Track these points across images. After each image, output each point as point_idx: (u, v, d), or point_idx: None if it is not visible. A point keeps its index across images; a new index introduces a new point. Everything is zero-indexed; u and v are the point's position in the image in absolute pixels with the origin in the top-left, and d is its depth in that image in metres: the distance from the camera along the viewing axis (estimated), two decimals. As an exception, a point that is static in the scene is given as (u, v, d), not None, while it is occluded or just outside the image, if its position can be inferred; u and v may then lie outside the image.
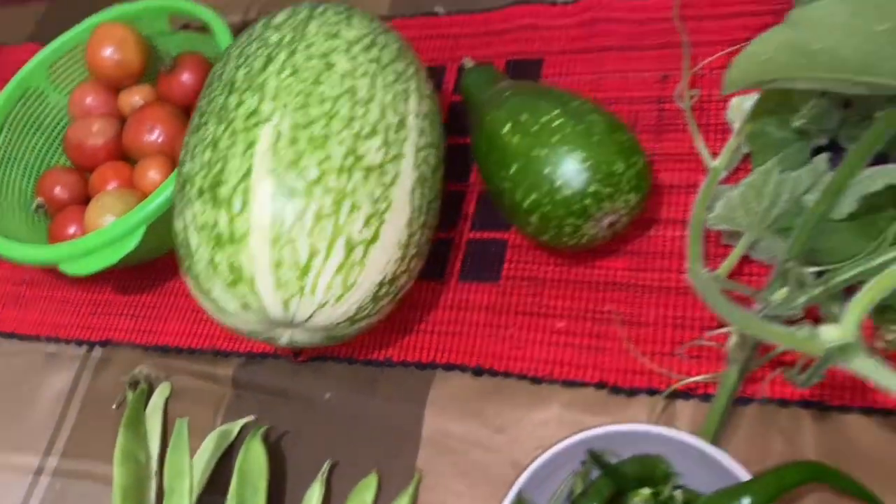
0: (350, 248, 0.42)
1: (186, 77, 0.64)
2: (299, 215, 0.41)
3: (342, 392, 0.51)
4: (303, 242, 0.41)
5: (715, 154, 0.49)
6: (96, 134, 0.64)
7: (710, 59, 0.53)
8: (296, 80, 0.44)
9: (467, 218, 0.55)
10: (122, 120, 0.65)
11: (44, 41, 0.76)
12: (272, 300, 0.42)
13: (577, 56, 0.58)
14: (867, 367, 0.31)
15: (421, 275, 0.51)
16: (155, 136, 0.62)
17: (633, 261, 0.49)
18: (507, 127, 0.47)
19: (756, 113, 0.46)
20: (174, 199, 0.46)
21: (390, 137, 0.45)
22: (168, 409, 0.55)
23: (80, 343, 0.61)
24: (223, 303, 0.43)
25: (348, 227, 0.42)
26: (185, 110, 0.64)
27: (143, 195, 0.60)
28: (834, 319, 0.34)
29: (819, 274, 0.42)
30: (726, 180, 0.48)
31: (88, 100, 0.66)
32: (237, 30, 0.69)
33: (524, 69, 0.59)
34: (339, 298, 0.42)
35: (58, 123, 0.68)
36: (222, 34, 0.60)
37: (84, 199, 0.63)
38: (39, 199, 0.63)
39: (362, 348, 0.52)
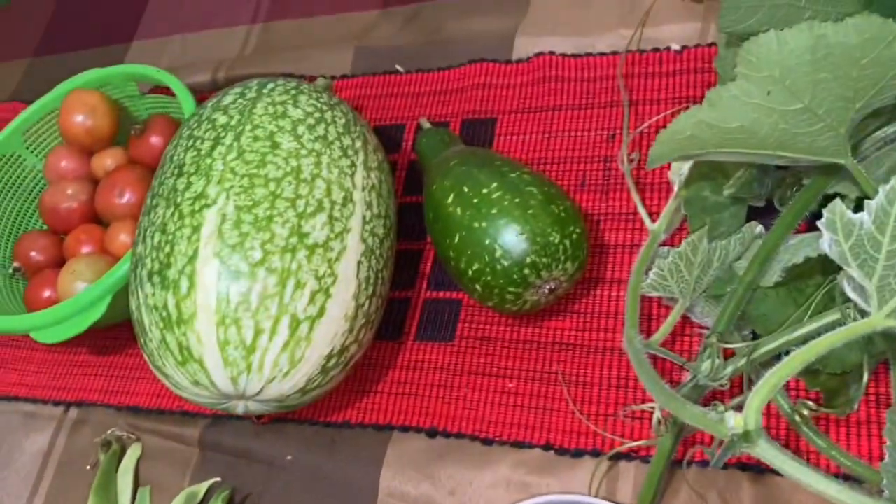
0: (295, 325, 0.43)
1: (155, 139, 0.66)
2: (244, 296, 0.43)
3: (303, 453, 0.53)
4: (248, 323, 0.43)
5: (656, 215, 0.51)
6: (70, 198, 0.66)
7: (653, 119, 0.55)
8: (241, 163, 0.46)
9: (424, 277, 0.56)
10: (95, 183, 0.67)
11: (27, 99, 0.79)
12: (221, 377, 0.43)
13: (529, 115, 0.60)
14: (768, 455, 0.32)
15: (379, 335, 0.53)
16: (125, 199, 0.64)
17: (578, 321, 0.50)
18: (451, 197, 0.48)
19: (691, 178, 0.48)
20: (129, 275, 0.48)
21: (335, 213, 0.46)
22: (139, 470, 0.57)
23: (56, 403, 0.63)
24: (176, 379, 0.45)
25: (293, 305, 0.43)
26: (154, 171, 0.66)
27: (114, 259, 0.62)
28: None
29: (752, 339, 0.43)
30: (668, 242, 0.50)
31: (62, 164, 0.68)
32: (206, 89, 0.71)
33: (478, 129, 0.61)
34: (286, 374, 0.44)
35: (34, 186, 0.70)
36: (185, 100, 0.62)
37: (59, 262, 0.65)
38: (16, 264, 0.65)
39: (322, 410, 0.53)
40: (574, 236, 0.46)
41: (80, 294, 0.55)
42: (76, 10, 0.90)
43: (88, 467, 0.58)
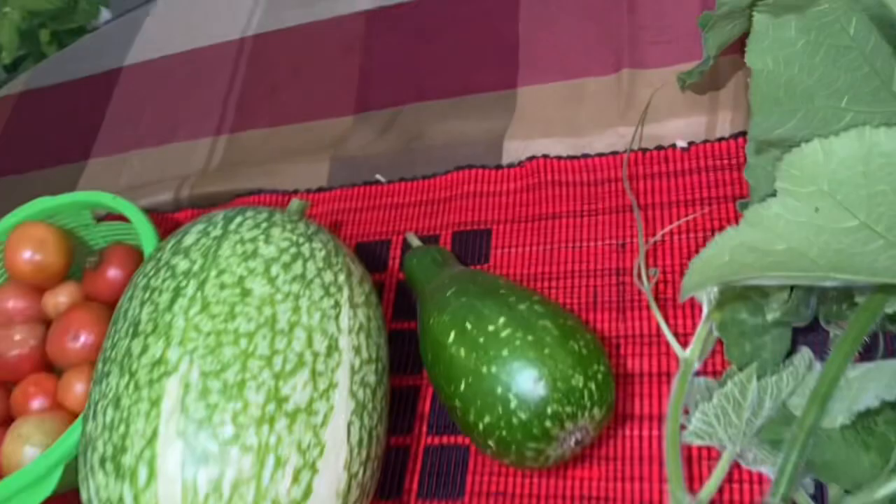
0: (278, 512, 0.36)
1: (113, 273, 0.59)
2: (215, 484, 0.35)
3: None
4: (221, 516, 0.35)
5: (686, 338, 0.45)
6: (18, 343, 0.59)
7: (667, 228, 0.49)
8: (206, 318, 0.39)
9: (423, 419, 0.50)
10: (47, 324, 0.60)
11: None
12: (191, 582, 0.36)
13: (527, 224, 0.54)
14: None
15: (379, 491, 0.45)
16: (81, 342, 0.57)
17: (608, 468, 0.44)
18: (452, 336, 0.42)
19: (724, 299, 0.42)
20: (78, 459, 0.40)
21: (319, 367, 0.40)
22: None
23: (3, 589, 0.54)
24: (137, 585, 0.37)
25: (274, 488, 0.36)
26: (113, 308, 0.59)
27: (69, 415, 0.54)
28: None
29: (817, 493, 0.36)
30: (700, 370, 0.43)
31: (10, 304, 0.61)
32: (169, 209, 0.65)
33: (472, 241, 0.55)
34: (270, 571, 0.36)
35: (-22, 331, 0.63)
36: (144, 231, 0.56)
37: (7, 419, 0.57)
38: (-44, 423, 0.57)
39: (314, 590, 0.45)
40: (599, 376, 0.40)
41: (27, 467, 0.48)
42: (26, 128, 0.84)
43: None
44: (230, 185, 0.66)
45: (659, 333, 0.46)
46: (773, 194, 0.35)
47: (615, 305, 0.49)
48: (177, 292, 0.40)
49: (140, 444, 0.36)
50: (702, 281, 0.36)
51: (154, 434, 0.36)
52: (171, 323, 0.39)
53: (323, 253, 0.45)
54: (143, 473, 0.36)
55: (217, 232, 0.44)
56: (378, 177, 0.61)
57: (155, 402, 0.37)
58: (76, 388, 0.55)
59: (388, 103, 0.65)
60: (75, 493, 0.50)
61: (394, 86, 0.66)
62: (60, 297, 0.61)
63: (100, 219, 0.64)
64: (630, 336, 0.47)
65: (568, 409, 0.39)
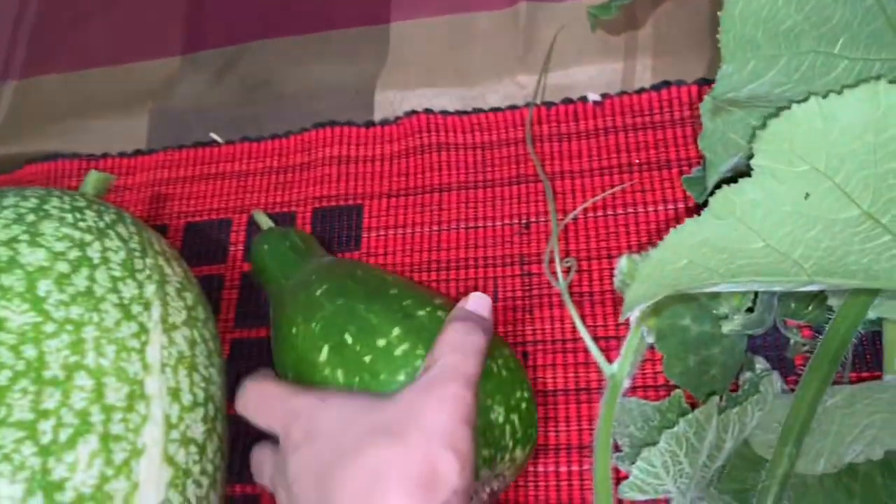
0: None
1: None
2: None
3: None
4: None
5: (608, 343, 0.36)
6: None
7: (584, 204, 0.40)
8: (-74, 370, 0.26)
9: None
10: None
11: None
12: None
13: (407, 199, 0.43)
14: None
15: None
16: None
17: (518, 519, 0.34)
18: (325, 353, 0.31)
19: (661, 302, 0.33)
20: None
21: (114, 429, 0.27)
22: None
23: None
24: None
25: None
26: None
27: None
28: None
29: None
30: (631, 388, 0.34)
31: None
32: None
33: (337, 221, 0.43)
34: None
35: None
36: None
37: None
38: None
39: None
40: (523, 405, 0.31)
41: None
42: None
43: None
44: (17, 147, 0.51)
45: (576, 338, 0.37)
46: (741, 173, 0.25)
47: (520, 303, 0.39)
48: None
49: None
50: (653, 291, 0.27)
51: None
52: None
53: (122, 254, 0.32)
54: None
55: (-49, 227, 0.30)
56: (213, 136, 0.48)
57: None
58: None
59: (225, 40, 0.51)
60: None
61: (233, 17, 0.52)
62: None
63: None
64: (540, 342, 0.38)
65: (484, 452, 0.29)
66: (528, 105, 0.43)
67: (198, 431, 0.30)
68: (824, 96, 0.23)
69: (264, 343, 0.41)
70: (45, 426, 0.26)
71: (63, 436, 0.26)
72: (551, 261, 0.38)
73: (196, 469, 0.30)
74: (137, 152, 0.49)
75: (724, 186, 0.25)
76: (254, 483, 0.32)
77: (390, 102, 0.46)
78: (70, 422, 0.26)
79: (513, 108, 0.43)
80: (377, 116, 0.46)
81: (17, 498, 0.25)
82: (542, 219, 0.40)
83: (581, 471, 0.35)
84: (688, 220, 0.26)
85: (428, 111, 0.44)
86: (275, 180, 0.46)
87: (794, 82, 0.26)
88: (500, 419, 0.30)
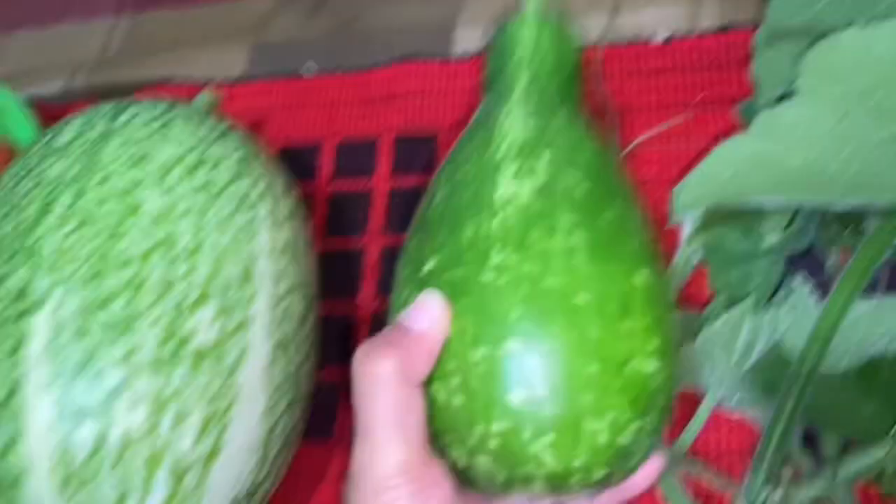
0: (179, 474, 0.30)
1: (-10, 175, 0.50)
2: (97, 444, 0.29)
3: None
4: (106, 481, 0.29)
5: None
6: None
7: (645, 134, 0.43)
8: (83, 238, 0.31)
9: (358, 350, 0.43)
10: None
11: None
12: (73, 558, 0.29)
13: (480, 128, 0.47)
14: None
15: (307, 432, 0.39)
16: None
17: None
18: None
19: (710, 220, 0.36)
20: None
21: (230, 299, 0.32)
22: None
23: None
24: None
25: (174, 445, 0.30)
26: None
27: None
28: None
29: (807, 443, 0.32)
30: (680, 300, 0.38)
31: None
32: (61, 100, 0.56)
33: (417, 151, 0.47)
34: (171, 542, 0.30)
35: None
36: (19, 123, 0.46)
37: None
38: None
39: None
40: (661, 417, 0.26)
41: None
42: None
43: None
44: (132, 75, 0.56)
45: (630, 257, 0.41)
46: (787, 96, 0.28)
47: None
48: (46, 205, 0.32)
49: (1, 397, 0.29)
50: (698, 200, 0.30)
51: (16, 386, 0.29)
52: (37, 244, 0.31)
53: (236, 157, 0.37)
54: (5, 432, 0.29)
55: (100, 129, 0.35)
56: (307, 66, 0.53)
57: (16, 347, 0.29)
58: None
59: (318, -19, 0.56)
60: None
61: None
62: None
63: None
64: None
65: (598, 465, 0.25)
66: (598, 42, 0.46)
67: (296, 310, 0.35)
68: (864, 27, 0.26)
69: (348, 255, 0.46)
70: (176, 291, 0.31)
71: (189, 300, 0.31)
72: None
73: (294, 342, 0.35)
74: (238, 79, 0.54)
75: (768, 109, 0.28)
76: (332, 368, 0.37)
77: (469, 39, 0.49)
78: (195, 289, 0.32)
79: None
80: (455, 52, 0.49)
81: (153, 345, 0.30)
82: (605, 149, 0.44)
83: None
84: (734, 137, 0.29)
85: (503, 48, 0.48)
86: (360, 111, 0.50)
87: (841, 15, 0.29)
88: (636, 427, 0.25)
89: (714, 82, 0.43)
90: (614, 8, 0.47)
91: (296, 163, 0.49)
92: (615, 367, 0.24)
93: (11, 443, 0.29)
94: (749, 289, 0.35)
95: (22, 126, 0.46)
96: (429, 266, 0.28)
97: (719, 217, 0.36)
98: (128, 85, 0.56)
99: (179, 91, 0.54)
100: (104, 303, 0.30)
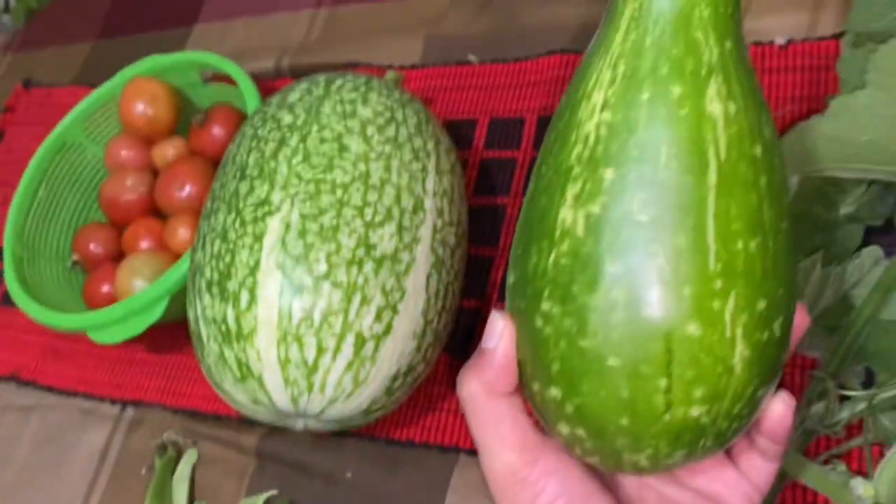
0: (360, 344, 0.40)
1: (217, 131, 0.64)
2: (307, 312, 0.40)
3: (363, 471, 0.50)
4: (310, 340, 0.40)
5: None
6: (129, 189, 0.64)
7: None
8: (307, 167, 0.42)
9: (496, 287, 0.53)
10: (155, 173, 0.65)
11: (89, 83, 0.77)
12: (281, 396, 0.41)
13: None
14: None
15: (447, 348, 0.49)
16: (185, 192, 0.62)
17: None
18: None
19: (800, 192, 0.43)
20: (188, 283, 0.45)
21: (405, 222, 0.43)
22: (195, 477, 0.55)
23: (113, 402, 0.61)
24: (235, 395, 0.42)
25: (358, 322, 0.40)
26: (216, 164, 0.63)
27: (173, 255, 0.60)
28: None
29: (867, 381, 0.38)
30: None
31: (122, 153, 0.67)
32: (269, 77, 0.68)
33: (557, 126, 0.56)
34: (349, 395, 0.41)
35: (94, 176, 0.69)
36: (248, 90, 0.59)
37: (118, 256, 0.63)
38: (75, 256, 0.64)
39: (383, 426, 0.50)
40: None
41: (138, 295, 0.53)
42: (139, -8, 0.88)
43: (144, 471, 0.56)
44: (328, 57, 0.68)
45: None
46: (860, 88, 0.35)
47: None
48: (281, 142, 0.44)
49: (243, 273, 0.41)
50: (780, 167, 0.37)
51: (256, 265, 0.41)
52: (275, 169, 0.43)
53: (415, 120, 0.47)
54: (244, 298, 0.40)
55: (319, 91, 0.47)
56: (470, 57, 0.63)
57: (258, 237, 0.41)
58: (180, 232, 0.60)
59: (485, -16, 0.66)
60: (178, 324, 0.56)
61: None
62: (168, 150, 0.66)
63: (206, 80, 0.68)
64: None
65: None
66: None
67: (451, 240, 0.45)
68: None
69: (493, 210, 0.55)
70: (368, 211, 0.42)
71: (377, 218, 0.42)
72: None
73: (448, 263, 0.45)
74: (413, 66, 0.65)
75: (844, 94, 0.35)
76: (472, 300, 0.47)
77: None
78: (381, 212, 0.42)
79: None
80: (598, 48, 0.58)
81: (351, 247, 0.41)
82: (719, 134, 0.51)
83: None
84: (812, 117, 0.36)
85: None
86: (512, 94, 0.60)
87: (911, 22, 0.35)
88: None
89: (821, 82, 0.49)
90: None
91: (456, 134, 0.60)
92: (648, 420, 0.25)
93: (249, 305, 0.40)
94: (828, 253, 0.42)
95: (249, 91, 0.59)
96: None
97: (808, 190, 0.43)
98: (324, 66, 0.69)
99: (367, 71, 0.66)
100: (318, 215, 0.41)
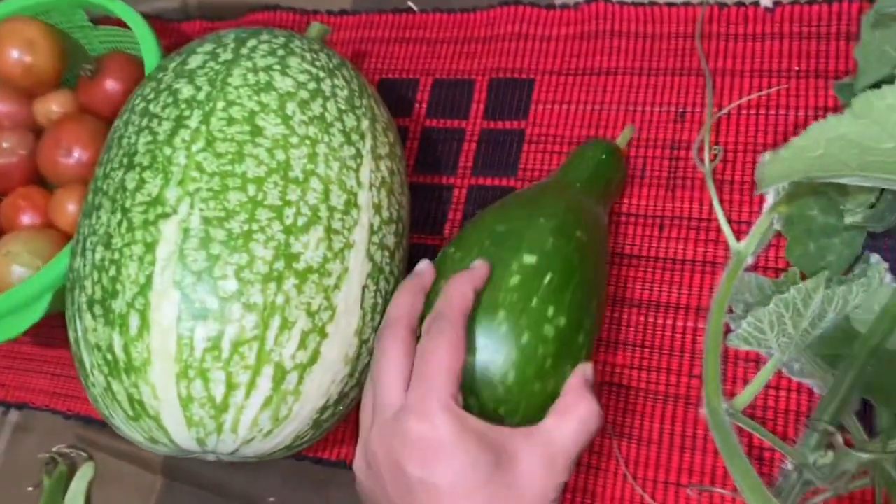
0: (280, 376, 0.33)
1: (112, 85, 0.54)
2: (213, 341, 0.32)
3: (287, 495, 0.44)
4: (217, 375, 0.32)
5: (740, 227, 0.40)
6: (6, 151, 0.54)
7: (737, 101, 0.43)
8: (211, 156, 0.34)
9: (439, 280, 0.46)
10: (38, 133, 0.55)
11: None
12: (184, 438, 0.34)
13: (575, 79, 0.48)
14: None
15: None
16: (73, 157, 0.52)
17: (633, 356, 0.41)
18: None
19: (795, 192, 0.37)
20: (66, 295, 0.37)
21: (335, 224, 0.35)
22: (90, 496, 0.48)
23: (-6, 403, 0.53)
24: (127, 432, 0.35)
25: (278, 351, 0.33)
26: (110, 124, 0.54)
27: (61, 235, 0.51)
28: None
29: (863, 411, 0.33)
30: (753, 266, 0.39)
31: (-3, 108, 0.56)
32: (175, 18, 0.59)
33: (510, 91, 0.49)
34: (268, 433, 0.34)
35: (-36, 134, 0.58)
36: (144, 38, 0.50)
37: (-6, 231, 0.54)
38: (-59, 231, 0.54)
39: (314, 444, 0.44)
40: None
41: (16, 289, 0.45)
42: None
43: (30, 489, 0.49)
44: (243, -2, 0.59)
45: (710, 218, 0.42)
46: (888, 81, 0.29)
47: (664, 181, 0.44)
48: (178, 123, 0.35)
49: (132, 291, 0.33)
50: (787, 173, 0.31)
51: (147, 282, 0.33)
52: (170, 158, 0.34)
53: (346, 92, 0.39)
54: (134, 322, 0.33)
55: (227, 56, 0.38)
56: (410, 4, 0.54)
57: (150, 247, 0.33)
58: (68, 207, 0.51)
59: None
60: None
61: None
62: (52, 106, 0.56)
63: (96, 22, 0.57)
64: (677, 218, 0.43)
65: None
66: (702, 4, 0.46)
67: (390, 241, 0.38)
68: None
69: (436, 189, 0.48)
70: (288, 212, 0.34)
71: (300, 222, 0.34)
72: (700, 147, 0.42)
73: (387, 270, 0.38)
74: (343, 11, 0.56)
75: (868, 91, 0.29)
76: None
77: (572, -12, 0.50)
78: (305, 212, 0.35)
79: (686, 4, 0.47)
80: (557, 0, 0.50)
81: (267, 259, 0.33)
82: (698, 110, 0.44)
83: (696, 327, 0.40)
84: (829, 116, 0.30)
85: (607, 0, 0.48)
86: (459, 49, 0.52)
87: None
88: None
89: (814, 54, 0.43)
90: (723, -33, 0.46)
91: (394, 96, 0.51)
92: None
93: (141, 332, 0.32)
94: (824, 263, 0.36)
95: (146, 39, 0.49)
96: None
97: (803, 190, 0.37)
98: (237, 7, 0.59)
99: (286, 18, 0.57)
100: (225, 218, 0.33)
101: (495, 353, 0.33)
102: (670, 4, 0.47)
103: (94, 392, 0.35)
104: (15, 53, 0.54)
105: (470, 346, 0.33)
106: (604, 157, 0.42)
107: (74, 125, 0.53)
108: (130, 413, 0.34)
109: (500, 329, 0.33)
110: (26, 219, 0.53)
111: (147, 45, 0.49)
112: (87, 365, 0.34)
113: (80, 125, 0.53)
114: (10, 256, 0.49)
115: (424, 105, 0.51)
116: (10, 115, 0.56)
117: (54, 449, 0.49)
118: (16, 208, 0.53)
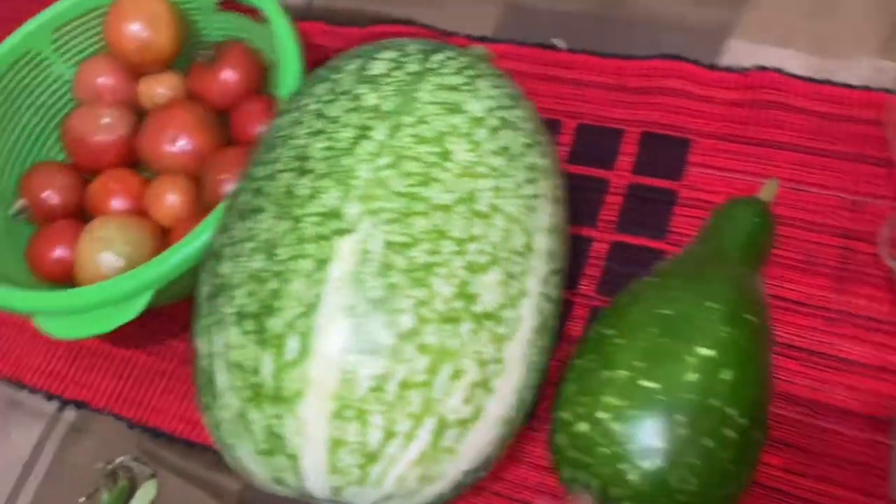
0: (440, 430, 0.29)
1: (228, 74, 0.51)
2: (379, 381, 0.28)
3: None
4: (377, 420, 0.29)
5: (926, 337, 0.37)
6: (105, 128, 0.51)
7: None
8: (397, 174, 0.31)
9: (570, 340, 0.42)
10: (140, 114, 0.52)
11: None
12: (320, 484, 0.30)
13: (737, 146, 0.45)
14: None
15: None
16: (178, 146, 0.48)
17: (791, 458, 0.37)
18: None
19: None
20: (199, 302, 0.33)
21: (512, 268, 0.32)
22: (150, 519, 0.43)
23: (49, 396, 0.48)
24: (249, 465, 0.31)
25: (444, 402, 0.29)
26: (220, 116, 0.51)
27: (155, 226, 0.47)
28: None
29: None
30: None
31: (99, 80, 0.53)
32: (296, 16, 0.55)
33: (663, 149, 0.46)
34: (411, 493, 0.30)
35: (57, 102, 0.54)
36: (284, 32, 0.46)
37: (79, 211, 0.50)
38: (22, 202, 0.50)
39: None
40: None
41: (113, 281, 0.40)
42: None
43: (82, 500, 0.44)
44: (376, 6, 0.56)
45: (885, 320, 0.39)
46: None
47: (832, 272, 0.40)
48: (362, 132, 0.32)
49: (294, 311, 0.29)
50: None
51: (315, 302, 0.29)
52: (351, 169, 0.31)
53: (530, 125, 0.36)
54: (292, 346, 0.29)
55: (414, 67, 0.34)
56: (556, 41, 0.51)
57: (321, 264, 0.29)
58: (168, 198, 0.48)
59: (584, -45, 0.54)
60: (152, 312, 0.43)
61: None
62: (158, 88, 0.52)
63: (220, 7, 0.54)
64: (844, 312, 0.39)
65: None
66: (889, 91, 0.43)
67: (554, 295, 0.35)
68: None
69: (578, 238, 0.45)
70: (471, 248, 0.31)
71: (482, 259, 0.31)
72: (889, 243, 0.39)
73: (549, 324, 0.34)
74: (483, 38, 0.53)
75: None
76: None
77: (741, 52, 0.47)
78: (488, 250, 0.31)
79: (866, 88, 0.44)
80: (724, 62, 0.47)
81: (447, 296, 0.30)
82: (874, 200, 0.41)
83: (873, 439, 0.36)
84: None
85: (779, 70, 0.46)
86: (609, 97, 0.49)
87: None
88: None
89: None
90: (907, 55, 0.44)
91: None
92: None
93: (300, 358, 0.29)
94: None
95: (286, 40, 0.46)
96: None
97: None
98: (364, 16, 0.56)
99: (421, 34, 0.54)
100: (409, 245, 0.30)
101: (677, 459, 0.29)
102: (848, 86, 0.45)
103: (220, 415, 0.31)
104: (135, 27, 0.50)
105: (645, 450, 0.29)
106: (756, 219, 0.39)
107: (183, 112, 0.49)
108: (264, 446, 0.29)
109: (679, 432, 0.30)
110: (116, 203, 0.49)
111: (285, 40, 0.46)
112: (219, 384, 0.30)
113: (189, 113, 0.49)
114: (101, 242, 0.45)
115: (566, 149, 0.48)
116: (115, 91, 0.52)
117: (117, 461, 0.44)
118: (107, 191, 0.49)
